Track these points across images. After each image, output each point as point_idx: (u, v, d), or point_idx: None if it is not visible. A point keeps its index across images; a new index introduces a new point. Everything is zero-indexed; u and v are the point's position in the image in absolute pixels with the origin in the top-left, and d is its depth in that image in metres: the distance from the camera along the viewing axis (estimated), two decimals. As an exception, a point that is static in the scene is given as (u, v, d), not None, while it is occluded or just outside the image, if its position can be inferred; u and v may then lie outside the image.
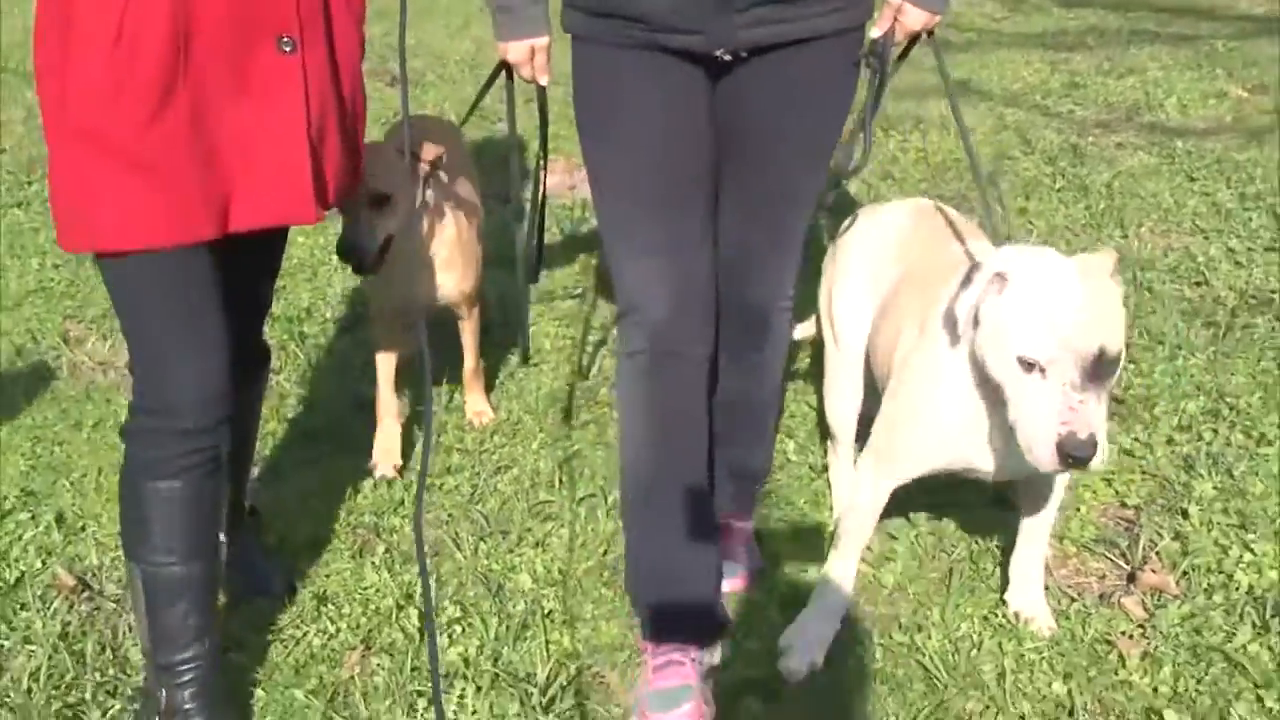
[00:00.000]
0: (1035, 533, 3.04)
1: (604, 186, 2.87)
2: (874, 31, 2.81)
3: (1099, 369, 2.46)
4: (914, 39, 2.87)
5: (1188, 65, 6.75)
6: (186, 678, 2.63)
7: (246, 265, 2.74)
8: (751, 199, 2.90)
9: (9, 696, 2.83)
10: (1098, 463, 2.48)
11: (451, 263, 3.66)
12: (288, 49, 2.54)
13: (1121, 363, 2.54)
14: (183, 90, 2.45)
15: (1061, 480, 2.98)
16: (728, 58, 2.69)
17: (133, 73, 2.38)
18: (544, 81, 2.89)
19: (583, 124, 2.87)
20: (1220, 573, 3.10)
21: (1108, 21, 7.61)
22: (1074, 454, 2.41)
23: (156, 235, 2.43)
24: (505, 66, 2.93)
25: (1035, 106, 6.30)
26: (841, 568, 3.00)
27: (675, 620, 2.89)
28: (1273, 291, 4.57)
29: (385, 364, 3.78)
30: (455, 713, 2.77)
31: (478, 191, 4.03)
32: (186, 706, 2.62)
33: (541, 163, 3.15)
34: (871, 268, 3.24)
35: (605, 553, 3.29)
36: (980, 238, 3.12)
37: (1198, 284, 4.69)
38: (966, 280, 2.66)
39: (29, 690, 2.82)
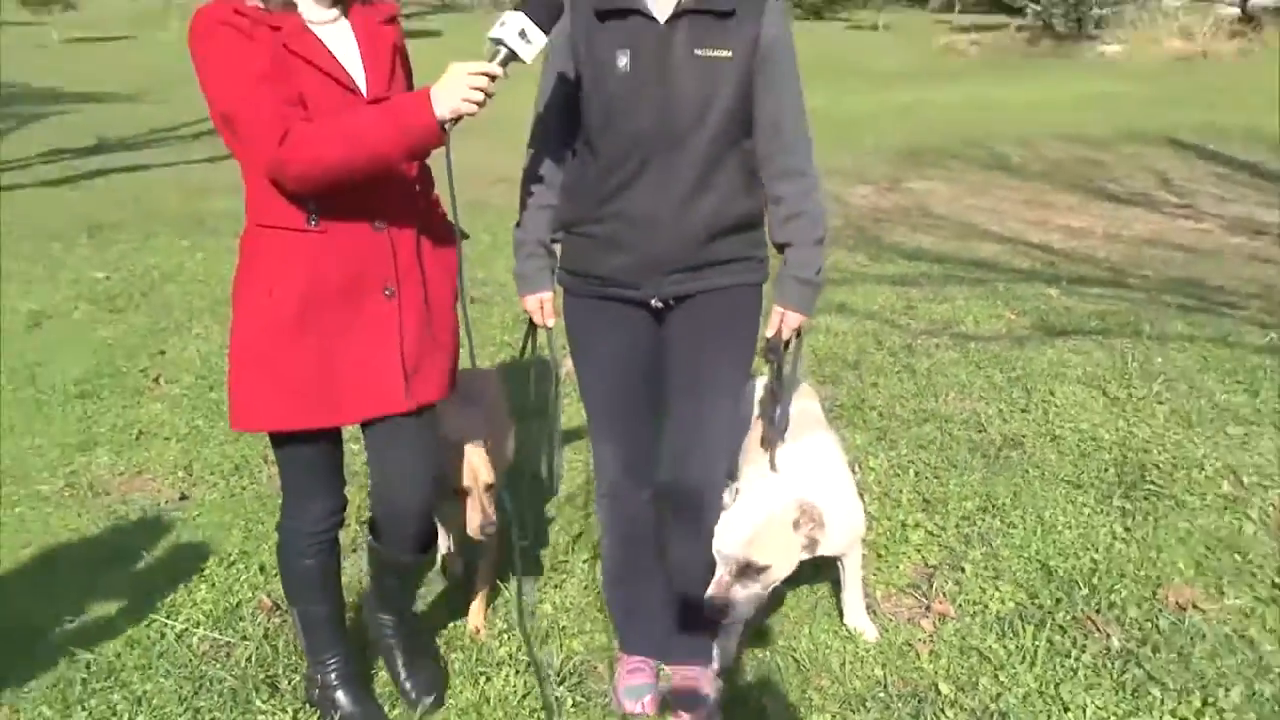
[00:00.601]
0: (849, 579, 3.60)
1: (583, 393, 3.26)
2: (768, 332, 3.16)
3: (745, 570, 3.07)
4: (796, 333, 3.16)
5: (980, 297, 7.42)
6: (330, 667, 3.20)
7: (374, 437, 3.03)
8: (686, 403, 3.14)
9: (235, 672, 3.43)
10: (726, 620, 3.17)
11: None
12: (389, 295, 2.87)
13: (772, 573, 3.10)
14: (313, 326, 2.80)
15: (852, 555, 3.57)
16: (660, 305, 3.07)
17: (279, 315, 2.77)
18: (550, 324, 3.20)
19: (570, 350, 3.24)
20: (980, 604, 3.76)
21: (934, 269, 8.28)
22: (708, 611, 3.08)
23: (288, 422, 2.87)
24: (530, 320, 3.28)
25: (885, 320, 6.91)
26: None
27: (635, 642, 3.46)
28: (1023, 436, 5.14)
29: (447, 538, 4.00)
30: (504, 685, 3.37)
31: (512, 423, 4.10)
32: (333, 684, 3.20)
33: (556, 388, 3.53)
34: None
35: (598, 593, 3.78)
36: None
37: (979, 431, 5.25)
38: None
39: (245, 667, 3.45)
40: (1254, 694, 3.30)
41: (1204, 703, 3.25)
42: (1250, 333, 6.61)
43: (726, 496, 3.17)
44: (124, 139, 15.92)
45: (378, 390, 2.86)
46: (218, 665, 3.50)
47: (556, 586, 4.00)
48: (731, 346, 3.12)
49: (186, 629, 3.68)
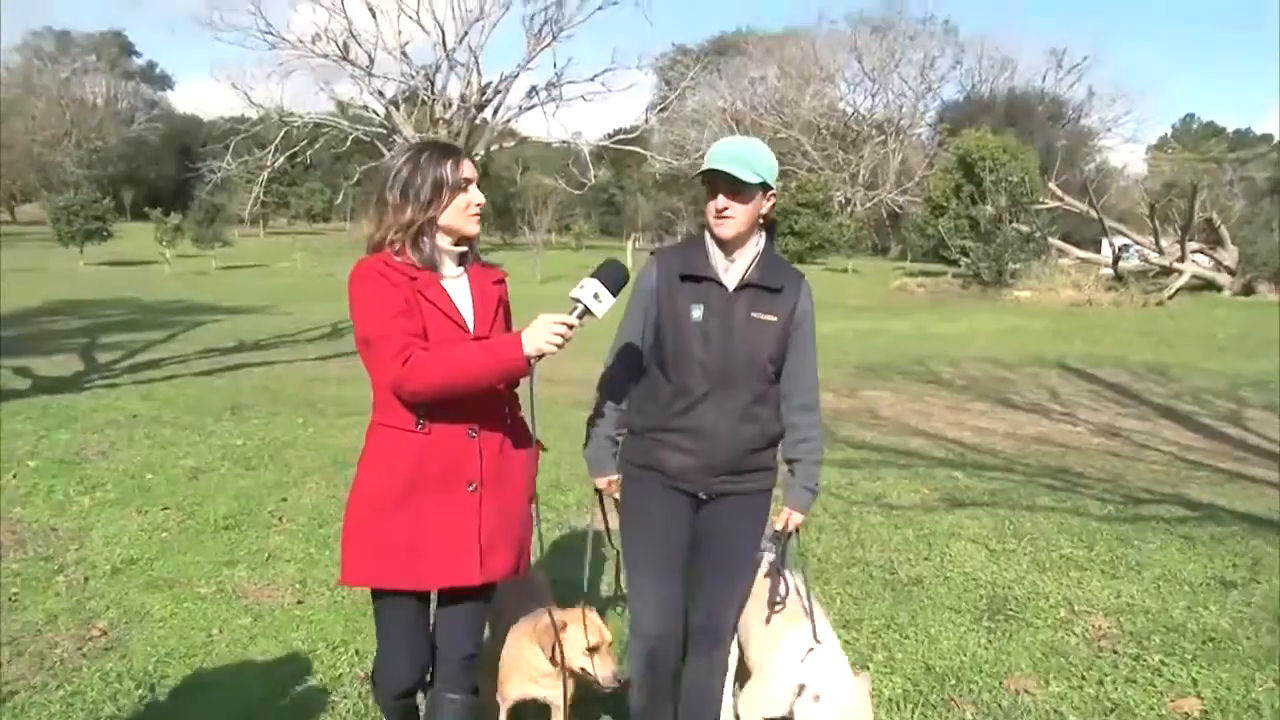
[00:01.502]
0: None
1: (628, 557, 3.24)
2: (777, 525, 3.23)
3: None
4: (797, 528, 3.24)
5: (905, 477, 7.59)
6: None
7: (449, 605, 3.01)
8: (719, 579, 3.21)
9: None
10: None
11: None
12: (472, 489, 2.87)
13: None
14: (407, 507, 2.83)
15: None
16: (704, 497, 3.13)
17: (386, 496, 2.83)
18: (616, 496, 3.26)
19: (622, 521, 3.25)
20: (878, 690, 3.94)
21: (872, 456, 8.53)
22: None
23: (381, 582, 2.88)
24: (597, 491, 3.31)
25: (830, 493, 6.93)
26: None
27: None
28: (923, 577, 5.32)
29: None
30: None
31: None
32: None
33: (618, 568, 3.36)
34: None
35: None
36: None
37: (891, 573, 5.41)
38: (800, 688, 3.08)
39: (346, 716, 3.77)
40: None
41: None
42: (1095, 506, 6.95)
43: (803, 699, 3.10)
44: (258, 341, 16.53)
45: (456, 565, 2.87)
46: (329, 714, 3.86)
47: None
48: (753, 538, 3.22)
49: (309, 688, 4.04)
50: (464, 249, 2.93)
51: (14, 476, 7.14)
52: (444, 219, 2.83)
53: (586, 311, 2.73)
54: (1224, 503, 7.03)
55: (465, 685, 3.07)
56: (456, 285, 2.90)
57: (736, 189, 2.93)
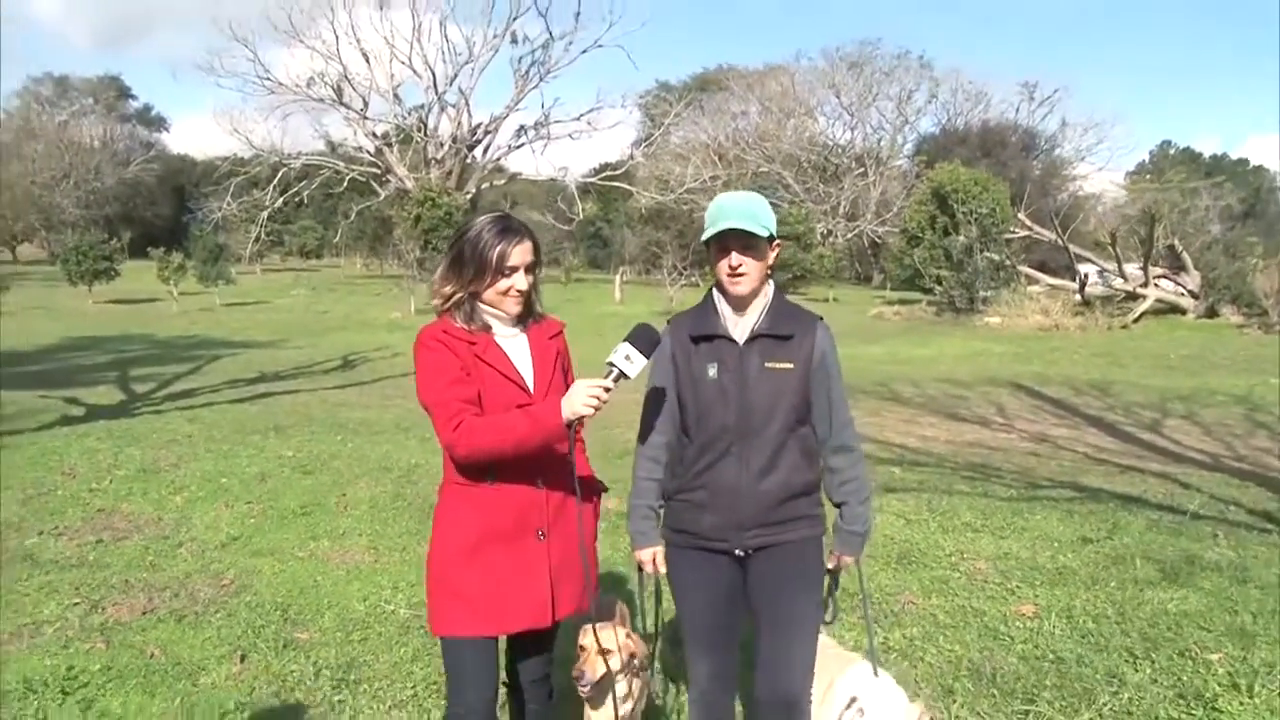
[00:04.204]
0: None
1: (682, 622, 3.23)
2: (829, 564, 3.19)
3: None
4: (846, 568, 3.22)
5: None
6: None
7: (524, 644, 3.17)
8: (774, 637, 3.10)
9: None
10: None
11: (629, 703, 3.41)
12: (541, 538, 2.98)
13: None
14: (481, 557, 2.95)
15: None
16: (743, 554, 3.08)
17: (461, 547, 2.96)
18: (662, 571, 3.20)
19: (672, 589, 3.22)
20: None
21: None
22: None
23: (471, 630, 2.97)
24: (640, 564, 3.25)
25: None
26: None
27: None
28: None
29: None
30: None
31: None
32: None
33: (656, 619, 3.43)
34: None
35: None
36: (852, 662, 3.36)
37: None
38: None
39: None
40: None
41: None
42: (1001, 490, 8.51)
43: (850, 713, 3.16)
44: (277, 372, 17.96)
45: (531, 610, 2.98)
46: (419, 626, 5.32)
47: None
48: (806, 589, 3.13)
49: (393, 609, 5.52)
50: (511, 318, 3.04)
51: (110, 482, 8.68)
52: (485, 295, 2.96)
53: (621, 375, 2.83)
54: (1109, 488, 8.59)
55: (542, 695, 3.28)
56: (515, 344, 3.02)
57: (749, 244, 2.96)
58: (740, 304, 3.04)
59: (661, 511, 3.20)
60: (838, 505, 3.17)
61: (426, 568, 3.05)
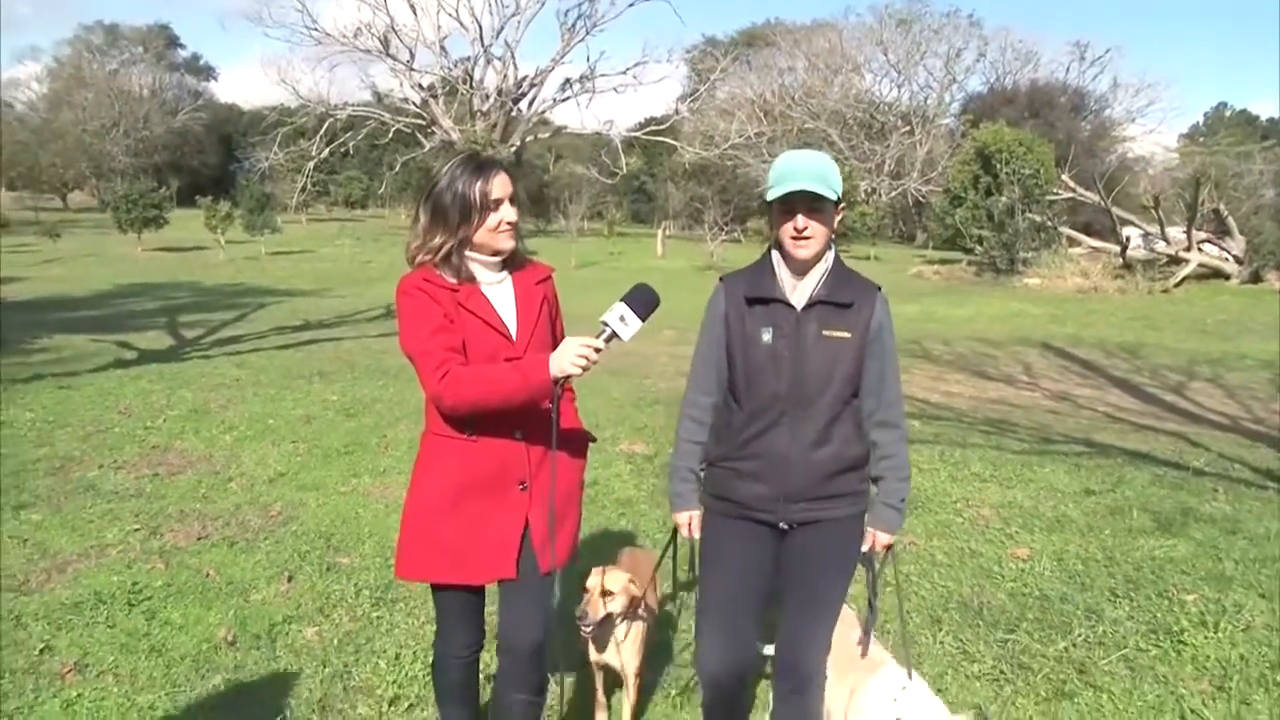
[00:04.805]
0: None
1: (703, 594, 3.12)
2: (864, 547, 3.08)
3: None
4: (887, 547, 3.11)
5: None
6: None
7: (510, 597, 3.01)
8: (805, 612, 3.03)
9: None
10: None
11: (630, 645, 3.53)
12: (523, 488, 2.92)
13: None
14: (459, 510, 2.91)
15: None
16: (786, 527, 2.99)
17: (439, 498, 2.92)
18: (697, 536, 3.14)
19: (701, 556, 3.13)
20: None
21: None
22: None
23: (438, 577, 2.98)
24: (674, 529, 3.23)
25: None
26: None
27: None
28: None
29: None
30: None
31: (658, 596, 4.03)
32: None
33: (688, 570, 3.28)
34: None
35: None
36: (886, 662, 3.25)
37: None
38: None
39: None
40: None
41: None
42: (1014, 444, 8.80)
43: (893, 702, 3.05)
44: (321, 320, 18.45)
45: (508, 560, 2.94)
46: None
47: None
48: (843, 568, 3.08)
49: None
50: (503, 257, 2.96)
51: (164, 421, 9.19)
52: (476, 237, 2.87)
53: (614, 335, 2.74)
54: (1120, 444, 8.86)
55: (534, 684, 3.09)
56: (499, 291, 2.95)
57: (817, 207, 2.82)
58: (801, 268, 2.92)
59: (702, 475, 3.12)
60: (875, 479, 3.08)
61: (403, 514, 3.03)
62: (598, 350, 2.70)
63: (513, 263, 3.00)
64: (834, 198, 2.83)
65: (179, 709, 3.97)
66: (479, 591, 3.05)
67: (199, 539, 5.98)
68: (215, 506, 6.66)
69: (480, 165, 2.86)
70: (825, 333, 2.88)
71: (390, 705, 4.02)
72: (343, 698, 4.09)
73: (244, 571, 5.45)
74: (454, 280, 2.86)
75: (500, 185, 2.84)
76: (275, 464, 7.77)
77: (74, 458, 7.76)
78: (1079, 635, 4.67)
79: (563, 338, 3.01)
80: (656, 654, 4.18)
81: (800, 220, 2.82)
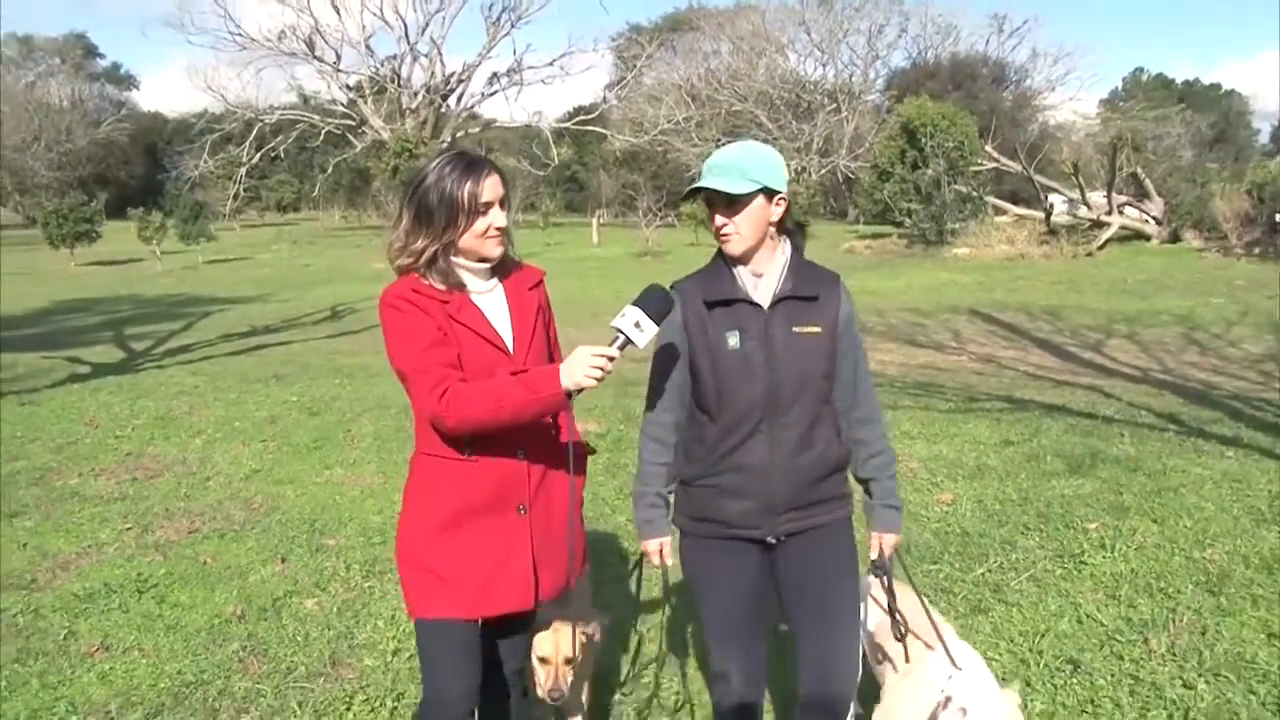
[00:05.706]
0: None
1: (706, 624, 2.98)
2: (872, 555, 2.97)
3: None
4: (895, 550, 2.99)
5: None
6: None
7: (500, 626, 2.87)
8: (818, 631, 2.87)
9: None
10: None
11: (579, 684, 3.33)
12: (522, 512, 2.72)
13: None
14: (458, 533, 2.69)
15: None
16: (774, 541, 2.81)
17: (435, 524, 2.71)
18: (669, 563, 2.93)
19: (691, 585, 2.97)
20: None
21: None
22: None
23: (454, 612, 2.71)
24: (642, 555, 2.99)
25: None
26: None
27: None
28: None
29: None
30: None
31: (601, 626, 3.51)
32: None
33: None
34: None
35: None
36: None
37: None
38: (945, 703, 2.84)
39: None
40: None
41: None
42: (940, 404, 9.49)
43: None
44: (268, 325, 18.67)
45: (511, 590, 2.75)
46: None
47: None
48: (845, 576, 2.91)
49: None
50: (491, 264, 2.76)
51: (132, 430, 9.55)
52: (461, 242, 2.66)
53: (628, 342, 2.57)
54: (1039, 399, 9.59)
55: (514, 691, 3.05)
56: (491, 300, 2.75)
57: (730, 201, 2.67)
58: (749, 263, 2.76)
59: (671, 498, 2.93)
60: (865, 481, 2.96)
61: (396, 546, 2.82)
62: (611, 360, 2.53)
63: (502, 268, 2.80)
64: (748, 190, 2.66)
65: (206, 671, 4.46)
66: (477, 625, 2.82)
67: (190, 533, 6.43)
68: (198, 503, 7.08)
69: (470, 164, 2.66)
70: (796, 329, 2.72)
71: (394, 656, 4.55)
72: (349, 653, 4.61)
73: (238, 557, 5.91)
74: (442, 286, 2.65)
75: (491, 188, 2.65)
76: (249, 462, 8.18)
77: (52, 468, 8.11)
78: (994, 562, 5.31)
79: (556, 345, 2.93)
80: (606, 679, 4.17)
81: (718, 218, 2.72)
